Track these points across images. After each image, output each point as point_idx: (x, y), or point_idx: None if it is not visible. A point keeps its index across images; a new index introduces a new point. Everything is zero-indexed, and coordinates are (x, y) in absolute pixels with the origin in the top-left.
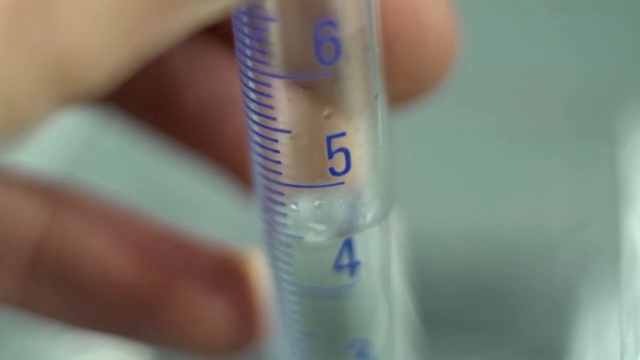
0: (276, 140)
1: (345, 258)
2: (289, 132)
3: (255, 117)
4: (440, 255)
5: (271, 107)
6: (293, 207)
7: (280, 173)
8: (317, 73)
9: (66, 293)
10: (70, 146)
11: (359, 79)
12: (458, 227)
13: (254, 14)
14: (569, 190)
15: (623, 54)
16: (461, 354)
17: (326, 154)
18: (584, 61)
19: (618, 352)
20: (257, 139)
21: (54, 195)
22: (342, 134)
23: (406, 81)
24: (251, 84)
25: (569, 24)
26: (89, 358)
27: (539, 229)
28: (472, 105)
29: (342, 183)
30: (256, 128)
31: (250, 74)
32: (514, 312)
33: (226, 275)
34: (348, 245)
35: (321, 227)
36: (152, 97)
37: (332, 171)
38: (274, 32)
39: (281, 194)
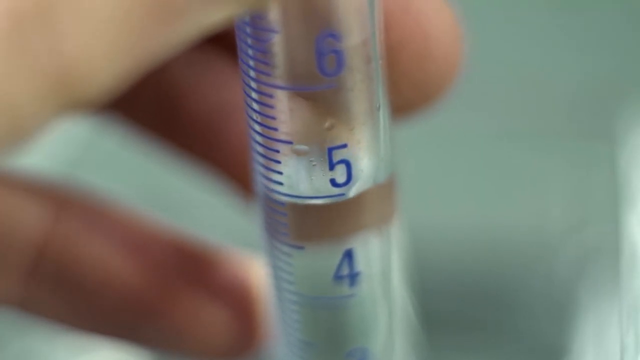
0: (278, 151)
1: (345, 269)
2: (290, 142)
3: (257, 127)
4: (441, 256)
5: (273, 118)
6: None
7: (281, 183)
8: (319, 85)
9: (67, 295)
10: (70, 147)
11: (361, 91)
12: (458, 227)
13: (257, 25)
14: (569, 190)
15: (623, 54)
16: (461, 354)
17: (327, 166)
18: (584, 61)
19: (618, 352)
20: (259, 148)
21: (56, 197)
22: (344, 146)
23: (411, 92)
24: (254, 94)
25: (569, 24)
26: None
27: (539, 229)
28: (472, 105)
29: (342, 195)
30: (258, 138)
31: (252, 84)
32: (514, 312)
33: (226, 280)
34: (348, 256)
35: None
36: (156, 105)
37: (333, 182)
38: (277, 43)
39: (282, 203)
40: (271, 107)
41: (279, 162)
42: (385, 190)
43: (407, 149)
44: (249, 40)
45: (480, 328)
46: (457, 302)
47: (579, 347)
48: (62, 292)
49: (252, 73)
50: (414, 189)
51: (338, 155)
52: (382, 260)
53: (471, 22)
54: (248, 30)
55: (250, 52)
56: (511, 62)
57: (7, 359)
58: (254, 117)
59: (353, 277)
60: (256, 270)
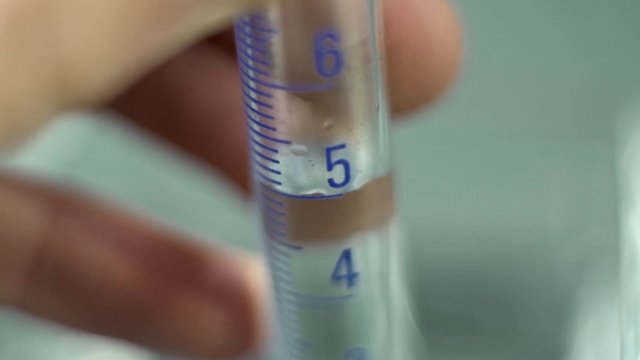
0: (276, 151)
1: (344, 269)
2: (288, 142)
3: (256, 127)
4: (440, 256)
5: (272, 118)
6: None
7: (279, 183)
8: (317, 85)
9: (67, 296)
10: (70, 147)
11: (360, 91)
12: (458, 228)
13: (256, 25)
14: (569, 190)
15: (623, 54)
16: (461, 354)
17: (326, 166)
18: (584, 62)
19: (618, 352)
20: (258, 148)
21: (55, 198)
22: (342, 146)
23: (411, 92)
24: (252, 94)
25: (570, 24)
26: None
27: (539, 229)
28: (472, 105)
29: (341, 195)
30: (257, 138)
31: (251, 84)
32: (513, 312)
33: (224, 280)
34: (346, 256)
35: None
36: (155, 105)
37: (332, 182)
38: (276, 43)
39: (280, 203)
40: (270, 106)
41: (277, 161)
42: (384, 191)
43: (406, 149)
44: (248, 40)
45: (480, 329)
46: (456, 302)
47: (579, 348)
48: (61, 293)
49: (251, 73)
50: (414, 190)
51: (336, 156)
52: (380, 260)
53: (471, 22)
54: (247, 30)
55: (249, 51)
56: (511, 62)
57: (7, 359)
58: (253, 117)
59: (351, 278)
60: (254, 270)
